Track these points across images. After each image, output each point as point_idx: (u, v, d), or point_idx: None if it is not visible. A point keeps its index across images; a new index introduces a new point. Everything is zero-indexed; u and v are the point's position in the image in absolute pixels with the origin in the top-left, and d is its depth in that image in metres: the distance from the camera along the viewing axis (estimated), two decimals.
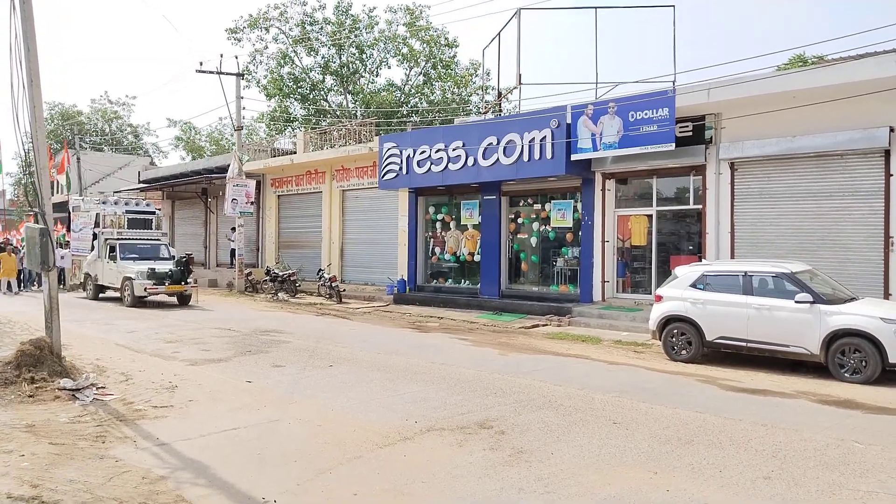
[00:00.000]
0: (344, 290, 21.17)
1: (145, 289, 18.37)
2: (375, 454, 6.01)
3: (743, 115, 13.29)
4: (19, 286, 23.60)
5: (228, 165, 24.32)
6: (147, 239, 21.06)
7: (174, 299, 19.44)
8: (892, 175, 12.08)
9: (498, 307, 17.37)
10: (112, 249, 19.92)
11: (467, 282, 19.59)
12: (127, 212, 21.30)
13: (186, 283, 19.14)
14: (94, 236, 21.11)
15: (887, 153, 12.09)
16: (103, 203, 21.53)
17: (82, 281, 22.13)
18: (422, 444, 6.33)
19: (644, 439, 6.45)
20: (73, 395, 7.96)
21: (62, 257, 23.31)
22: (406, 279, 20.47)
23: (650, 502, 4.94)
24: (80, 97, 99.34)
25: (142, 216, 21.71)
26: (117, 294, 19.78)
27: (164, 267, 19.01)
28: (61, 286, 24.12)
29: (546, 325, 15.19)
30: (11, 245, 24.78)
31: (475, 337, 13.69)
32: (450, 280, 20.15)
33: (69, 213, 23.61)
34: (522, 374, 9.68)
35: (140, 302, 18.70)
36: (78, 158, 37.16)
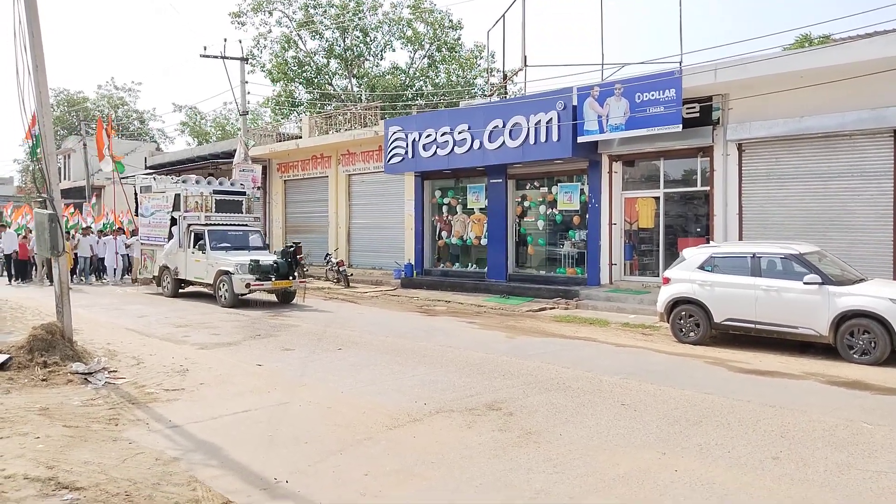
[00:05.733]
0: (351, 275, 21.23)
1: (247, 285, 15.35)
2: (385, 435, 6.06)
3: (750, 96, 13.19)
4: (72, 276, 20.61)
5: (234, 150, 24.30)
6: (239, 225, 17.87)
7: (272, 297, 16.76)
8: None
9: (505, 290, 17.39)
10: (199, 238, 16.81)
11: (474, 265, 19.60)
12: (214, 192, 17.92)
13: (294, 278, 16.27)
14: (173, 221, 17.83)
15: None
16: (184, 182, 18.17)
17: (156, 275, 18.54)
18: (431, 425, 6.37)
19: (652, 420, 6.48)
20: (86, 378, 8.04)
21: (128, 246, 22.05)
22: (413, 263, 20.49)
23: (659, 482, 4.97)
24: (86, 83, 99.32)
25: (231, 197, 18.32)
26: (203, 290, 17.27)
27: (266, 258, 16.13)
28: (124, 278, 22.27)
29: (553, 308, 15.20)
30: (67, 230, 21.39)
31: (483, 320, 13.73)
32: (457, 264, 20.17)
33: (136, 194, 20.44)
34: (530, 356, 9.71)
35: (241, 301, 15.81)
36: (84, 145, 37.16)
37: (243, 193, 18.87)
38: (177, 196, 17.79)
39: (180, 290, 17.84)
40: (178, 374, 8.45)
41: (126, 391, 7.63)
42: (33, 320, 11.89)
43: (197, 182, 18.35)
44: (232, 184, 19.28)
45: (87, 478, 4.93)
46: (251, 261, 15.58)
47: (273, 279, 15.67)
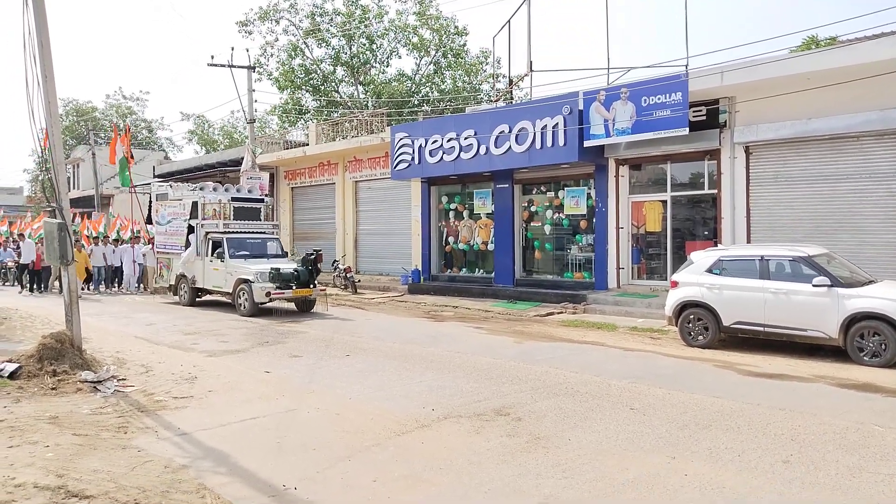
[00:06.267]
0: (359, 281, 21.24)
1: (267, 294, 15.04)
2: (393, 441, 6.05)
3: (757, 98, 13.15)
4: (86, 286, 21.00)
5: (242, 158, 24.37)
6: (257, 232, 17.54)
7: (292, 305, 16.30)
8: None
9: (512, 296, 17.37)
10: (217, 246, 16.52)
11: (481, 271, 19.60)
12: (233, 199, 17.59)
13: (314, 286, 16.06)
14: (190, 229, 17.40)
15: None
16: (201, 189, 17.92)
17: (173, 283, 18.31)
18: (439, 431, 6.36)
19: (661, 425, 6.45)
20: (95, 387, 8.07)
21: (143, 254, 22.14)
22: (420, 269, 20.50)
23: (668, 487, 4.94)
24: (94, 93, 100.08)
25: (250, 205, 17.94)
26: (221, 298, 17.06)
27: (286, 266, 15.81)
28: (139, 288, 22.14)
29: (561, 312, 15.17)
30: (79, 240, 21.58)
31: (490, 325, 13.71)
32: (464, 269, 20.17)
33: (150, 203, 19.91)
34: (538, 361, 9.69)
35: (261, 310, 15.37)
36: (93, 154, 37.40)
37: (262, 200, 18.47)
38: (194, 204, 17.44)
39: (197, 299, 17.60)
40: (187, 382, 8.48)
41: (135, 399, 7.66)
42: (43, 329, 11.95)
43: (214, 189, 18.02)
44: (249, 191, 19.02)
45: (96, 486, 4.95)
46: (271, 269, 15.24)
47: (293, 287, 15.40)
